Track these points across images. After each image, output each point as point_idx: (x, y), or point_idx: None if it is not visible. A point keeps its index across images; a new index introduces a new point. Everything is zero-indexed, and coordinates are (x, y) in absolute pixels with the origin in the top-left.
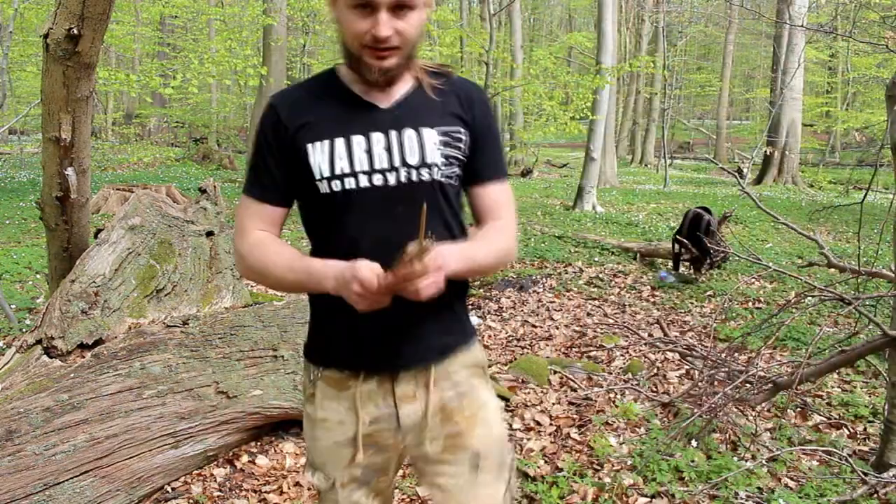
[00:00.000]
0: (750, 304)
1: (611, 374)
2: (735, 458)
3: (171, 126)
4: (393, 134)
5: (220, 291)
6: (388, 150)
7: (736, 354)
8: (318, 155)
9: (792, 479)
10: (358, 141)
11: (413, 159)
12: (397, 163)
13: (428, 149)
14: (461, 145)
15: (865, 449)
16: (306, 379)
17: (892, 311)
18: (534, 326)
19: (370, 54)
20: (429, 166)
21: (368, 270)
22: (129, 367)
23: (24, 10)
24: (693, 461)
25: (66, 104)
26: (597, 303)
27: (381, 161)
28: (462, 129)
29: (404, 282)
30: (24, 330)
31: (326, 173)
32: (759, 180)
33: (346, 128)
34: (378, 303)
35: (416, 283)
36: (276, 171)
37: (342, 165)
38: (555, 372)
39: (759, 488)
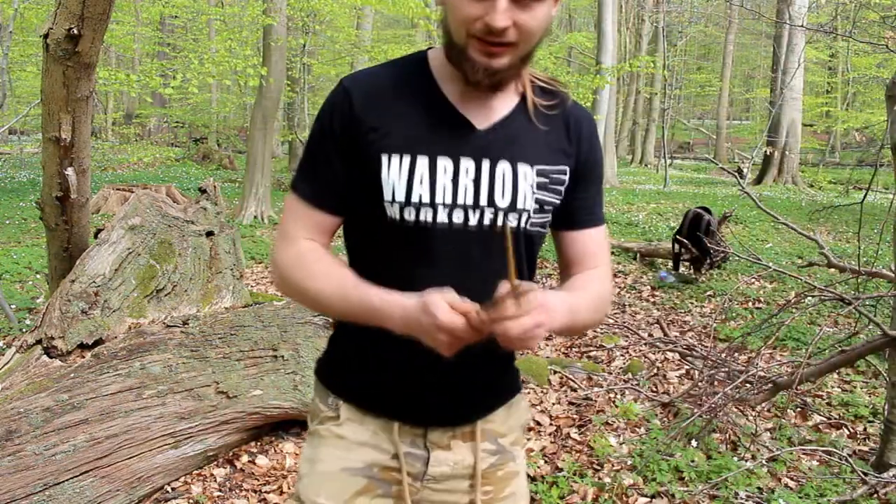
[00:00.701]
0: (750, 304)
1: (611, 374)
2: (735, 458)
3: (171, 126)
4: (485, 165)
5: (220, 291)
6: (477, 182)
7: (736, 354)
8: (394, 171)
9: (792, 479)
10: (444, 165)
11: (503, 202)
12: (483, 201)
13: (521, 191)
14: (560, 188)
15: (865, 449)
16: (320, 402)
17: (892, 311)
18: None
19: (478, 47)
20: (518, 212)
21: (447, 311)
22: (129, 367)
23: (24, 10)
24: (693, 461)
25: (66, 104)
26: None
27: (465, 195)
28: (565, 169)
29: (503, 323)
30: (24, 330)
31: (401, 197)
32: (759, 180)
33: (432, 144)
34: (466, 343)
35: (517, 328)
36: (338, 170)
37: (421, 192)
38: (555, 372)
39: (759, 488)
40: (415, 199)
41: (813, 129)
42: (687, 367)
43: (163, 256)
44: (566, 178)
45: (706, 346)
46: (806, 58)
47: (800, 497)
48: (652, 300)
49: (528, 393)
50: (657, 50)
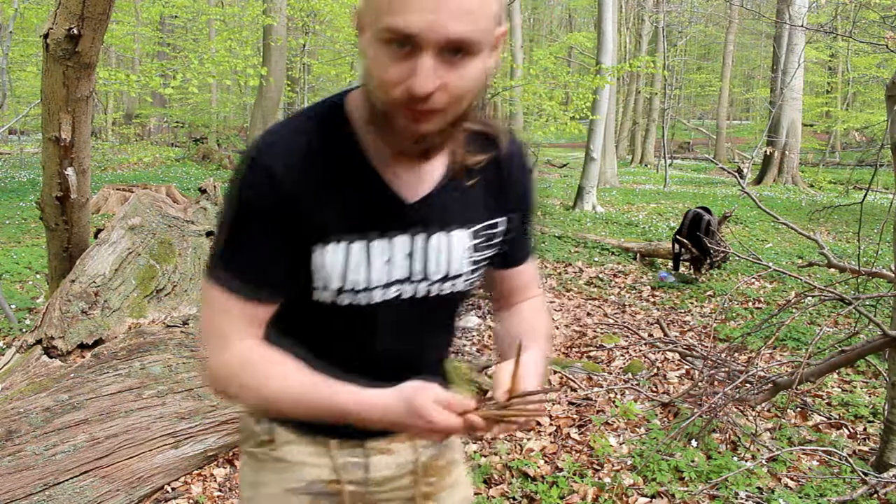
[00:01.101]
0: (750, 304)
1: (611, 374)
2: (735, 458)
3: (171, 126)
4: (419, 239)
5: None
6: (411, 256)
7: (736, 354)
8: (328, 260)
9: (792, 479)
10: (380, 248)
11: (438, 273)
12: (418, 276)
13: (456, 258)
14: (496, 241)
15: (865, 449)
16: (254, 424)
17: (892, 311)
18: None
19: (403, 113)
20: (454, 279)
21: (442, 413)
22: (129, 367)
23: (24, 10)
24: (693, 461)
25: (66, 104)
26: (597, 303)
27: (401, 271)
28: (501, 221)
29: (504, 422)
30: (24, 330)
31: (335, 286)
32: (759, 180)
33: (365, 228)
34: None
35: (519, 424)
36: (268, 256)
37: (356, 279)
38: (555, 372)
39: (759, 488)
40: (349, 286)
41: (813, 129)
42: (687, 367)
43: (163, 256)
44: (502, 227)
45: (706, 346)
46: (806, 58)
47: (800, 497)
48: (652, 300)
49: None
50: (657, 50)
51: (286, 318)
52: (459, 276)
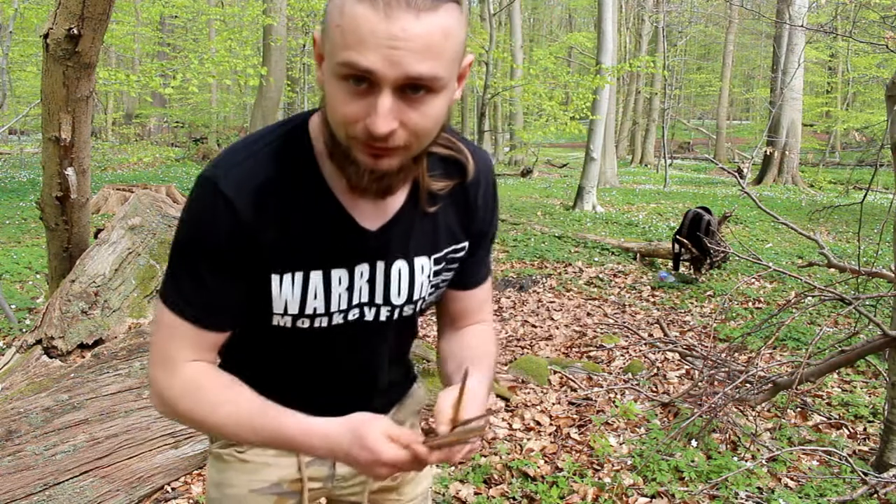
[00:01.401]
0: (750, 304)
1: (611, 374)
2: (735, 458)
3: (171, 126)
4: (380, 266)
5: None
6: (372, 283)
7: (736, 354)
8: (286, 289)
9: (792, 479)
10: (339, 276)
11: (399, 299)
12: (379, 300)
13: (418, 284)
14: (456, 264)
15: (865, 449)
16: None
17: (892, 311)
18: (534, 326)
19: (360, 149)
20: (415, 303)
21: (390, 447)
22: (129, 367)
23: (24, 10)
24: (693, 461)
25: (66, 104)
26: (597, 303)
27: (360, 296)
28: (463, 246)
29: (449, 451)
30: (24, 330)
31: (294, 311)
32: (759, 180)
33: (325, 257)
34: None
35: (463, 453)
36: (224, 287)
37: (316, 306)
38: (555, 372)
39: (759, 488)
40: (308, 311)
41: (813, 129)
42: (687, 367)
43: (163, 256)
44: (463, 253)
45: (706, 346)
46: (806, 58)
47: (800, 497)
48: (652, 300)
49: (529, 393)
50: (657, 50)
51: (245, 337)
52: (421, 298)
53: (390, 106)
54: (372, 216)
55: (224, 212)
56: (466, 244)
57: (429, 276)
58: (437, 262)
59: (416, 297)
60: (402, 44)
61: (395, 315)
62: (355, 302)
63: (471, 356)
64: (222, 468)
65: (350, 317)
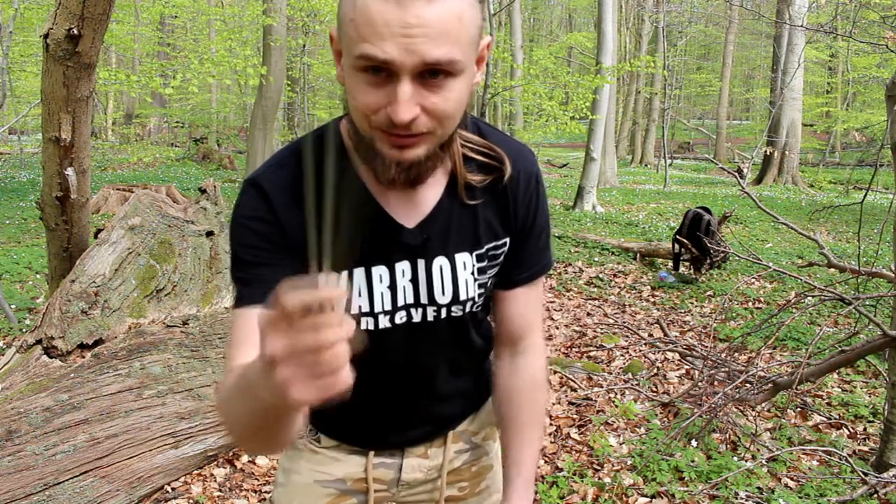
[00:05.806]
0: (750, 304)
1: (611, 374)
2: (735, 458)
3: (171, 126)
4: (421, 264)
5: (220, 291)
6: (415, 282)
7: (736, 354)
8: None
9: (792, 479)
10: (380, 273)
11: (444, 298)
12: (424, 300)
13: (462, 282)
14: (500, 260)
15: (865, 449)
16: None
17: (892, 311)
18: None
19: (385, 140)
20: (462, 303)
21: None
22: (129, 367)
23: (24, 10)
24: (693, 461)
25: (66, 104)
26: (597, 303)
27: (405, 297)
28: (505, 242)
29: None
30: (24, 330)
31: None
32: (759, 180)
33: (365, 254)
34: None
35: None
36: (283, 269)
37: (360, 304)
38: (555, 372)
39: (759, 488)
40: (353, 310)
41: (813, 129)
42: (687, 367)
43: (163, 256)
44: (506, 248)
45: (706, 346)
46: (806, 58)
47: (800, 497)
48: (652, 300)
49: None
50: (657, 50)
51: None
52: (469, 299)
53: (410, 93)
54: (408, 213)
55: (260, 206)
56: (507, 240)
57: (473, 274)
58: (479, 258)
59: (462, 296)
60: (417, 31)
61: (443, 315)
62: (400, 303)
63: (528, 422)
64: (294, 456)
65: (397, 320)
